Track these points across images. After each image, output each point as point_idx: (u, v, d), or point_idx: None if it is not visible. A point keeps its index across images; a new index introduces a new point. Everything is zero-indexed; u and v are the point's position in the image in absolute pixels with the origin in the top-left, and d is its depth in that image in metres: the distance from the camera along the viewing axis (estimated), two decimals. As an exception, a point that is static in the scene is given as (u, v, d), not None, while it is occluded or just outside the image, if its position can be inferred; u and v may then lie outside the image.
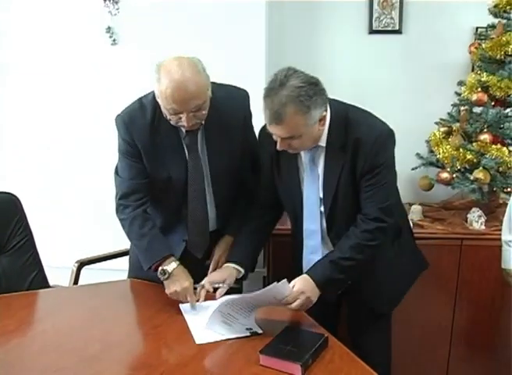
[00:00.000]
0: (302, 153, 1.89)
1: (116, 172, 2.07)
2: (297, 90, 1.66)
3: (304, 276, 1.83)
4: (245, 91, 2.08)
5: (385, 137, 1.81)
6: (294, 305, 1.73)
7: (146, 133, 1.94)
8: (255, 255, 2.11)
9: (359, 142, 1.78)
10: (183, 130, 1.94)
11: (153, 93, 1.90)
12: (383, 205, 1.82)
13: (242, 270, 2.00)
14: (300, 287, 1.76)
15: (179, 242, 2.09)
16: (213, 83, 1.90)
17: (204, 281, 1.95)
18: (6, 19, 2.97)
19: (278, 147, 1.79)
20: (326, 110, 1.79)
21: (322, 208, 1.92)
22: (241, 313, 1.77)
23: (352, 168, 1.82)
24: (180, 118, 1.82)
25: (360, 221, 1.85)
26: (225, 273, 1.98)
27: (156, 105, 1.91)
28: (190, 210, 2.05)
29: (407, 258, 2.08)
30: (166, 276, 1.92)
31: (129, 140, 1.96)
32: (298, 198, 1.96)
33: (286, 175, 1.96)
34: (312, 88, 1.69)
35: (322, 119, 1.77)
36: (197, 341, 1.70)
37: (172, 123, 1.88)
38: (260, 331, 1.72)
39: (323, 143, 1.83)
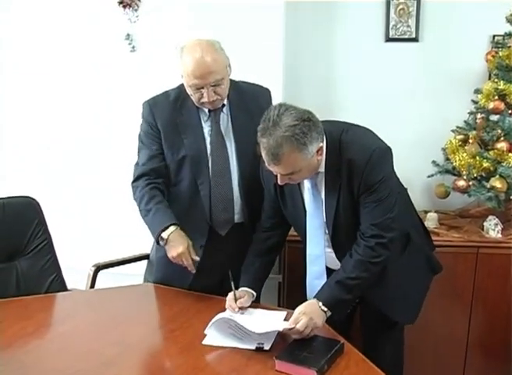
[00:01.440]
0: (305, 180, 1.90)
1: (136, 163, 2.19)
2: (291, 129, 1.66)
3: (311, 301, 1.82)
4: (268, 89, 2.22)
5: (379, 156, 1.78)
6: (298, 325, 1.69)
7: (168, 112, 2.11)
8: (263, 277, 2.10)
9: (352, 163, 1.78)
10: (206, 110, 2.09)
11: (177, 86, 2.13)
12: (378, 221, 1.81)
13: (255, 294, 2.01)
14: (302, 310, 1.75)
15: (202, 223, 2.13)
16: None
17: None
18: (12, 20, 3.02)
19: (279, 182, 1.80)
20: (322, 140, 1.78)
21: (327, 232, 1.93)
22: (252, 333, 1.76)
23: (349, 189, 1.82)
24: (202, 94, 1.98)
25: (359, 239, 1.85)
26: (247, 297, 1.96)
27: (179, 91, 2.11)
28: (214, 186, 2.11)
29: (420, 263, 2.07)
30: (164, 242, 2.01)
31: (151, 120, 2.12)
32: (303, 223, 1.96)
33: (290, 202, 1.98)
34: (306, 125, 1.68)
35: (319, 150, 1.77)
36: (204, 342, 1.72)
37: (195, 101, 2.04)
38: (267, 348, 1.68)
39: (322, 169, 1.84)
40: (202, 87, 1.97)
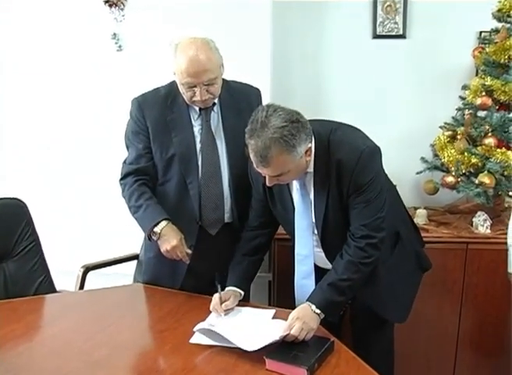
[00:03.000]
0: (293, 181, 1.90)
1: (124, 161, 2.19)
2: (280, 130, 1.65)
3: (303, 305, 1.81)
4: (258, 88, 2.23)
5: (368, 156, 1.78)
6: (293, 331, 1.68)
7: (158, 110, 2.10)
8: (251, 275, 2.10)
9: (341, 164, 1.78)
10: (197, 109, 2.08)
11: (168, 83, 2.13)
12: (369, 222, 1.81)
13: (242, 293, 2.01)
14: (295, 314, 1.75)
15: (191, 223, 2.12)
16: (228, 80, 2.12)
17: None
18: (11, 21, 2.99)
19: (267, 183, 1.80)
20: (311, 141, 1.78)
21: (316, 232, 1.94)
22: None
23: (338, 190, 1.82)
24: (195, 92, 1.98)
25: (350, 239, 1.85)
26: (233, 298, 1.96)
27: (170, 88, 2.11)
28: (204, 185, 2.10)
29: (410, 260, 2.07)
30: (157, 237, 2.03)
31: (139, 117, 2.10)
32: (292, 223, 1.96)
33: (279, 202, 1.98)
34: (295, 126, 1.67)
35: (308, 151, 1.76)
36: (191, 340, 1.73)
37: (187, 99, 2.04)
38: (249, 350, 1.63)
39: (311, 169, 1.83)
40: (195, 86, 1.96)
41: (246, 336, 1.71)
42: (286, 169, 1.72)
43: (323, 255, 1.97)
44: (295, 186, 1.91)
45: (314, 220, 1.91)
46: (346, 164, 1.77)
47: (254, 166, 1.75)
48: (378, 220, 1.82)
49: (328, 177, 1.81)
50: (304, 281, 1.96)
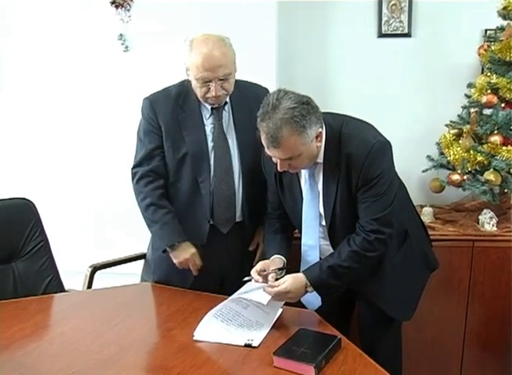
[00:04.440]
0: (303, 171, 1.91)
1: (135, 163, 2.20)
2: (291, 111, 1.68)
3: (299, 275, 1.85)
4: (267, 88, 2.22)
5: (378, 150, 1.79)
6: (276, 298, 1.78)
7: (169, 109, 2.11)
8: (287, 247, 2.09)
9: (351, 157, 1.80)
10: (209, 108, 2.10)
11: (177, 83, 2.15)
12: (379, 216, 1.82)
13: (285, 261, 2.00)
14: (287, 287, 1.79)
15: (203, 222, 2.14)
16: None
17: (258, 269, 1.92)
18: (18, 22, 3.02)
19: (278, 168, 1.81)
20: (322, 127, 1.80)
21: (324, 224, 1.95)
22: (245, 322, 1.80)
23: (348, 183, 1.83)
24: (209, 88, 1.99)
25: (359, 230, 1.86)
26: (277, 262, 1.97)
27: (181, 88, 2.13)
28: (216, 184, 2.11)
29: (417, 259, 2.08)
30: (174, 247, 2.10)
31: (152, 116, 2.12)
32: (299, 214, 1.98)
33: (288, 192, 1.99)
34: (305, 108, 1.71)
35: (319, 136, 1.78)
36: (195, 337, 1.74)
37: (200, 96, 2.04)
38: (255, 345, 1.70)
39: (321, 160, 1.85)
40: (210, 81, 1.98)
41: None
42: (297, 151, 1.74)
43: (330, 247, 1.97)
44: (304, 175, 1.93)
45: (322, 211, 1.92)
46: (356, 157, 1.78)
47: (265, 148, 1.76)
48: (387, 216, 1.83)
49: (338, 169, 1.82)
50: None
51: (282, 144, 1.70)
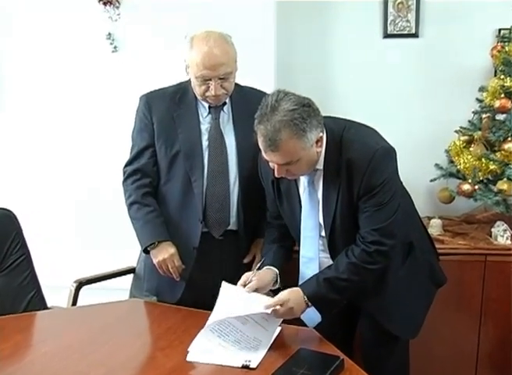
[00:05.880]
0: (301, 177, 1.92)
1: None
2: (290, 113, 1.69)
3: (296, 289, 1.85)
4: None
5: (381, 157, 1.80)
6: (276, 314, 1.76)
7: (165, 105, 2.19)
8: (283, 257, 2.10)
9: (352, 163, 1.80)
10: (206, 106, 2.17)
11: (176, 84, 2.23)
12: (381, 226, 1.82)
13: (277, 271, 2.01)
14: (285, 299, 1.79)
15: (195, 223, 2.18)
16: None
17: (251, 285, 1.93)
18: (5, 23, 3.03)
19: (276, 174, 1.82)
20: (323, 131, 1.81)
21: (324, 234, 1.96)
22: (242, 338, 1.80)
23: (349, 191, 1.84)
24: (209, 86, 2.05)
25: (359, 241, 1.86)
26: (269, 276, 1.98)
27: (179, 87, 2.21)
28: (209, 185, 2.16)
29: (423, 273, 2.08)
30: (153, 246, 2.15)
31: (145, 113, 2.19)
32: (297, 223, 1.99)
33: (285, 200, 2.01)
34: (305, 110, 1.72)
35: (319, 141, 1.79)
36: (188, 358, 1.73)
37: (199, 94, 2.11)
38: (253, 366, 1.68)
39: (321, 166, 1.86)
40: (210, 79, 2.04)
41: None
42: (296, 156, 1.74)
43: (330, 260, 1.98)
44: (303, 183, 1.94)
45: (321, 221, 1.93)
46: (357, 164, 1.79)
47: (263, 152, 1.77)
48: (390, 226, 1.83)
49: (338, 176, 1.83)
50: None
51: (280, 147, 1.71)
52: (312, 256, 1.99)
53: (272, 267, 2.00)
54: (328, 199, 1.89)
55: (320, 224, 1.95)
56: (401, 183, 2.00)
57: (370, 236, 1.83)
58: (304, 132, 1.71)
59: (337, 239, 1.93)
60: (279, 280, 2.00)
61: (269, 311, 1.76)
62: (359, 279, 1.86)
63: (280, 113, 1.70)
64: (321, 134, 1.79)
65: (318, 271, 1.97)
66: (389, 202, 1.82)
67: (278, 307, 1.77)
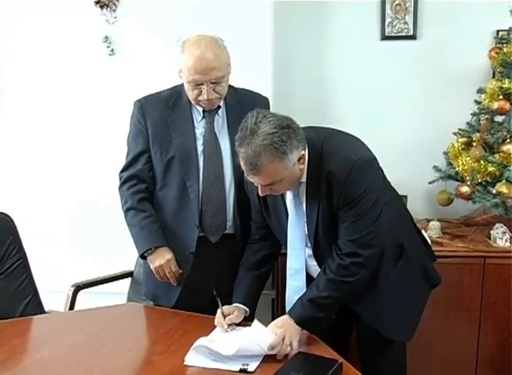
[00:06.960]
0: (287, 191, 1.93)
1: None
2: (270, 137, 1.68)
3: (285, 318, 1.86)
4: (266, 97, 2.33)
5: (360, 168, 1.79)
6: (276, 351, 1.74)
7: (159, 110, 2.19)
8: (257, 292, 2.13)
9: (331, 176, 1.80)
10: (200, 110, 2.17)
11: (170, 87, 2.22)
12: (357, 237, 1.82)
13: (247, 310, 2.03)
14: (281, 335, 1.77)
15: (191, 227, 2.18)
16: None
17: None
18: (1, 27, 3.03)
19: (260, 193, 1.83)
20: (304, 148, 1.80)
21: (310, 245, 1.96)
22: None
23: (328, 202, 1.84)
24: (201, 91, 2.06)
25: (334, 254, 1.87)
26: (238, 312, 1.98)
27: (173, 91, 2.21)
28: (205, 189, 2.16)
29: (416, 275, 2.07)
30: (150, 251, 2.16)
31: (140, 118, 2.20)
32: (286, 234, 1.99)
33: (273, 213, 2.01)
34: (285, 132, 1.70)
35: (301, 158, 1.79)
36: (185, 362, 1.73)
37: (192, 99, 2.11)
38: (251, 370, 1.69)
39: (304, 179, 1.86)
40: (202, 84, 2.04)
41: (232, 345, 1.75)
42: (278, 177, 1.75)
43: (318, 268, 1.98)
44: (288, 196, 1.94)
45: (307, 232, 1.94)
46: (336, 176, 1.79)
47: (245, 175, 1.78)
48: (367, 236, 1.83)
49: (319, 189, 1.83)
50: (295, 297, 1.95)
51: (261, 171, 1.71)
52: (299, 268, 2.00)
53: (243, 307, 2.01)
54: (311, 211, 1.89)
55: (306, 235, 1.95)
56: (391, 186, 2.01)
57: (346, 247, 1.84)
58: (284, 154, 1.71)
59: (321, 249, 1.94)
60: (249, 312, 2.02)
61: (275, 351, 1.74)
62: (339, 294, 1.87)
63: (260, 137, 1.68)
64: (302, 152, 1.78)
65: (305, 282, 1.98)
66: (368, 213, 1.82)
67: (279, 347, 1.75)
